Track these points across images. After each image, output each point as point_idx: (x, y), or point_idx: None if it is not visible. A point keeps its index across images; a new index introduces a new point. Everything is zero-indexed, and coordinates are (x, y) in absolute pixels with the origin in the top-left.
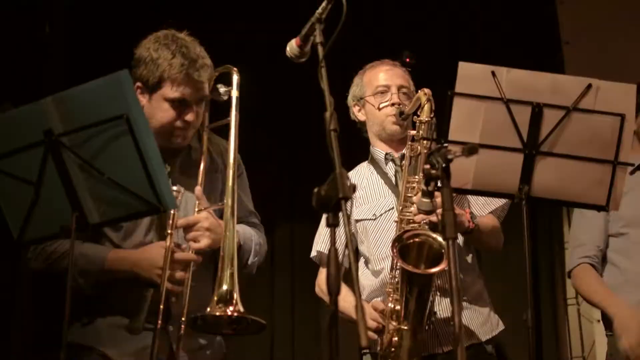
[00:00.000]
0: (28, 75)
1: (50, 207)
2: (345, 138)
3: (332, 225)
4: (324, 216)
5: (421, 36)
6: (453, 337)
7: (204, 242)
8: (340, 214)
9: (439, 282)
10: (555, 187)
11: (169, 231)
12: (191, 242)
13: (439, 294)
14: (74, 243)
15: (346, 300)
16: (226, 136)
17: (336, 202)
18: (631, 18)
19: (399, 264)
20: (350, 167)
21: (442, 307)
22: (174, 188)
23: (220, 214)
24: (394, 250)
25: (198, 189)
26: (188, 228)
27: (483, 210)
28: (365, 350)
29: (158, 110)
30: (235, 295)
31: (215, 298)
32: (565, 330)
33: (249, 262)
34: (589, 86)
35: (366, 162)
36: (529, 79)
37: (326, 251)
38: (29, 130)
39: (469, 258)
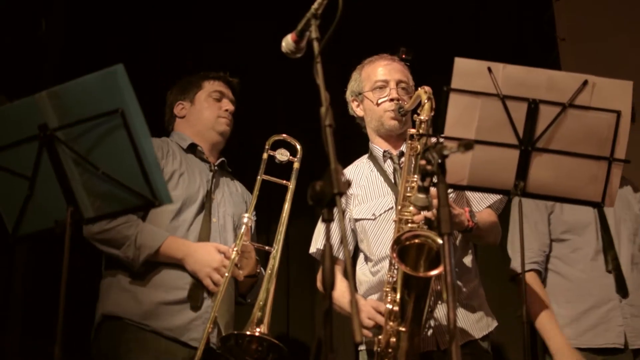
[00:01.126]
0: (24, 71)
1: (45, 202)
2: (345, 132)
3: (327, 220)
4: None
5: (417, 33)
6: (448, 332)
7: (246, 272)
8: (335, 210)
9: (438, 287)
10: (550, 183)
11: (236, 249)
12: (240, 266)
13: (435, 296)
14: (69, 237)
15: (345, 296)
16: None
17: (331, 197)
18: (627, 15)
19: (397, 266)
20: (349, 161)
21: (438, 307)
22: (246, 215)
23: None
24: (394, 254)
25: (247, 227)
26: (243, 252)
27: (480, 204)
28: (361, 348)
29: (201, 107)
30: (266, 322)
31: (250, 321)
32: None
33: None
34: (585, 82)
35: (366, 156)
36: (525, 75)
37: (322, 245)
38: (24, 124)
39: (467, 259)
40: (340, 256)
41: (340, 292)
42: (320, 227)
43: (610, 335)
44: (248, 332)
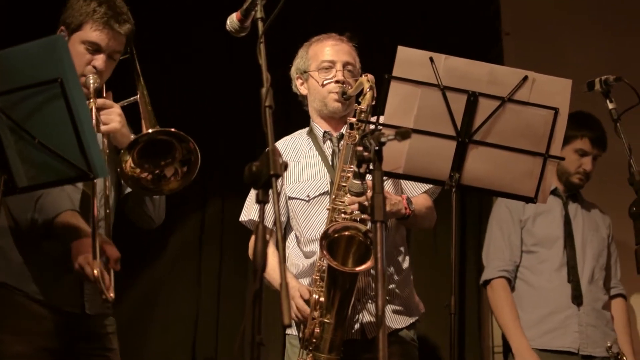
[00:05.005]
0: None
1: None
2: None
3: (262, 202)
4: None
5: (362, 18)
6: (375, 320)
7: (113, 125)
8: (271, 191)
9: (368, 277)
10: (485, 176)
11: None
12: (103, 122)
13: (365, 287)
14: (2, 205)
15: (276, 271)
16: None
17: (267, 179)
18: (571, 13)
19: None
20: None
21: (367, 298)
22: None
23: None
24: (322, 250)
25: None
26: (104, 108)
27: (415, 190)
28: (289, 332)
29: (72, 51)
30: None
31: (146, 124)
32: (489, 318)
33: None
34: (525, 78)
35: (305, 131)
36: (467, 67)
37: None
38: None
39: (400, 247)
40: (271, 225)
41: (272, 266)
42: (253, 197)
43: (566, 339)
44: (150, 131)
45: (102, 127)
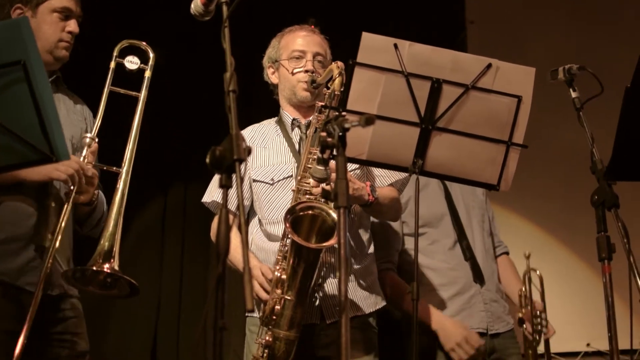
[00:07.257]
0: None
1: None
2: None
3: (225, 186)
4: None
5: (327, 6)
6: (338, 306)
7: (85, 197)
8: (234, 176)
9: (332, 259)
10: (448, 163)
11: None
12: (79, 190)
13: (325, 268)
14: None
15: (239, 252)
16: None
17: (230, 163)
18: (536, 2)
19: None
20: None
21: (328, 281)
22: (88, 135)
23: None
24: (287, 223)
25: (96, 145)
26: (86, 177)
27: (383, 181)
28: (249, 314)
29: (44, 23)
30: (115, 254)
31: (97, 253)
32: None
33: (99, 225)
34: (489, 66)
35: (274, 120)
36: (431, 54)
37: (220, 201)
38: None
39: (364, 236)
40: (234, 209)
41: (234, 246)
42: (217, 180)
43: (474, 320)
44: (94, 268)
45: (75, 196)
